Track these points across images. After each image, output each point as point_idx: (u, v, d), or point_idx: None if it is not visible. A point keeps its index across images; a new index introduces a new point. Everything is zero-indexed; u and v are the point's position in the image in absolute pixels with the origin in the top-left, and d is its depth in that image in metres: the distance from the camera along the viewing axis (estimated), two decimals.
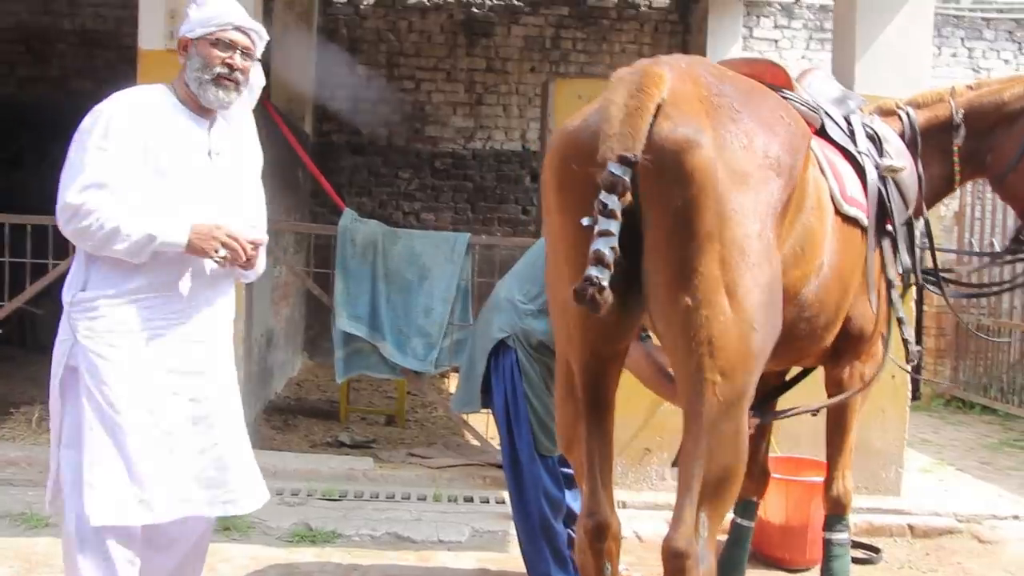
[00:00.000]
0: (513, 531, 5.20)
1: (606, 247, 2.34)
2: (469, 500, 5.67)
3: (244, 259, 3.16)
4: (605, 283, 2.33)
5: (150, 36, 5.71)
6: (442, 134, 10.25)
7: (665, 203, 2.54)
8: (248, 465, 3.37)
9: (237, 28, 3.20)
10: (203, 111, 3.24)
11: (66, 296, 3.17)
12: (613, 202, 2.35)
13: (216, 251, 3.07)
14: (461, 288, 5.89)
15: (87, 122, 3.08)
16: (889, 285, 3.70)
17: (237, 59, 3.19)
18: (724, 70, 2.95)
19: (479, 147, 10.28)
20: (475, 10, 10.15)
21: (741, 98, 2.76)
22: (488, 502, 5.64)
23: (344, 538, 4.98)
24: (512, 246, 7.41)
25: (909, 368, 4.02)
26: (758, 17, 10.17)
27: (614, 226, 2.36)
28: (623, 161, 2.38)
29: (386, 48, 10.05)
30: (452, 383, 7.63)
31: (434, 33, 10.21)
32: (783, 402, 4.12)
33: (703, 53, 9.51)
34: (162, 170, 3.10)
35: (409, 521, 5.25)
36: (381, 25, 9.98)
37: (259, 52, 3.31)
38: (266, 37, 3.33)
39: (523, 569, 4.20)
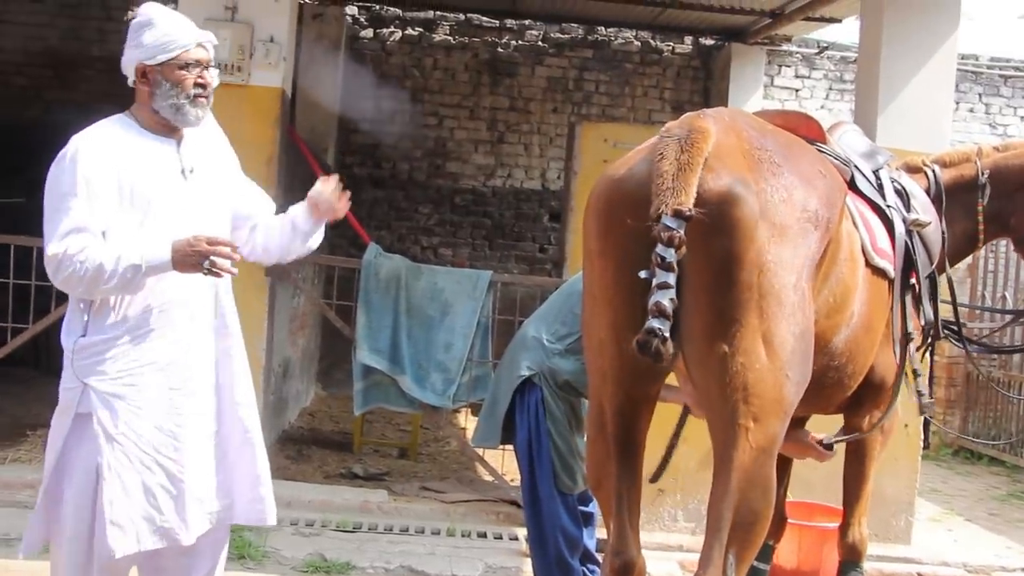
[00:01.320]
0: (527, 567, 5.24)
1: (666, 299, 2.44)
2: (483, 536, 5.70)
3: (230, 262, 3.06)
4: (667, 334, 2.42)
5: None
6: (463, 171, 10.36)
7: (707, 253, 2.62)
8: (260, 480, 3.37)
9: (199, 44, 3.18)
10: (169, 131, 3.20)
11: (67, 343, 3.12)
12: (671, 255, 2.46)
13: (201, 263, 3.00)
14: (481, 325, 5.96)
15: (53, 170, 3.08)
16: (907, 337, 3.75)
17: (207, 75, 3.18)
18: (764, 124, 3.04)
19: (499, 185, 10.38)
20: (500, 50, 10.30)
21: (782, 152, 2.85)
22: (501, 538, 5.68)
23: (358, 570, 5.01)
24: (533, 285, 7.49)
25: (922, 418, 4.07)
26: (779, 66, 10.31)
27: (671, 278, 2.46)
28: (678, 215, 2.47)
29: (411, 84, 10.17)
30: (465, 418, 7.67)
31: (458, 71, 10.35)
32: None
33: (725, 99, 9.66)
34: (140, 197, 3.07)
35: (423, 555, 5.28)
36: (407, 61, 10.12)
37: (213, 56, 3.26)
38: (215, 40, 3.27)
39: None
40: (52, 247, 2.98)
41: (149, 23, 3.16)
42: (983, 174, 4.24)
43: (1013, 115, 10.49)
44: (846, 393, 3.54)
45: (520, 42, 10.35)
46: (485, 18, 10.27)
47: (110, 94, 9.87)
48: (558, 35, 10.38)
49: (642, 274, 2.54)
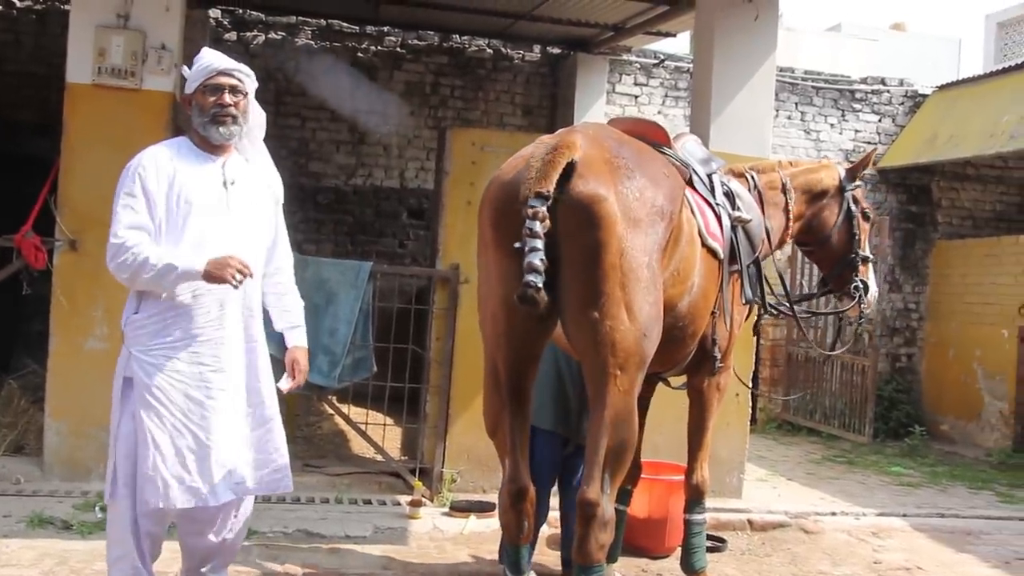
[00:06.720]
0: (412, 527, 5.86)
1: (536, 258, 3.12)
2: (368, 502, 6.27)
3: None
4: (540, 284, 3.09)
5: (78, 71, 6.12)
6: (325, 170, 10.66)
7: (579, 241, 3.32)
8: (280, 452, 3.91)
9: (221, 72, 3.78)
10: (215, 149, 3.82)
11: (123, 319, 3.74)
12: (536, 227, 3.14)
13: (233, 277, 3.59)
14: (363, 311, 6.41)
15: (122, 176, 3.70)
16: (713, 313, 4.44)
17: (226, 97, 3.76)
18: (622, 135, 3.77)
19: (360, 184, 10.72)
20: (360, 55, 10.70)
21: (635, 159, 3.58)
22: (385, 504, 6.26)
23: (260, 534, 5.48)
24: (409, 275, 8.08)
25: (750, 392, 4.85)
26: (620, 74, 11.06)
27: (539, 244, 3.14)
28: (539, 196, 3.17)
29: (274, 87, 10.39)
30: (336, 403, 8.13)
31: (320, 74, 10.70)
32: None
33: (571, 104, 10.37)
34: (187, 200, 3.68)
35: (316, 519, 5.82)
36: (270, 64, 10.35)
37: (249, 87, 3.87)
38: (251, 73, 3.90)
39: (422, 559, 4.90)
40: (113, 238, 3.59)
41: (196, 61, 3.78)
42: (785, 182, 5.12)
43: (824, 122, 11.64)
44: (687, 350, 4.31)
45: (379, 48, 10.74)
46: (346, 24, 10.60)
47: None
48: (415, 42, 10.79)
49: (517, 244, 3.20)
